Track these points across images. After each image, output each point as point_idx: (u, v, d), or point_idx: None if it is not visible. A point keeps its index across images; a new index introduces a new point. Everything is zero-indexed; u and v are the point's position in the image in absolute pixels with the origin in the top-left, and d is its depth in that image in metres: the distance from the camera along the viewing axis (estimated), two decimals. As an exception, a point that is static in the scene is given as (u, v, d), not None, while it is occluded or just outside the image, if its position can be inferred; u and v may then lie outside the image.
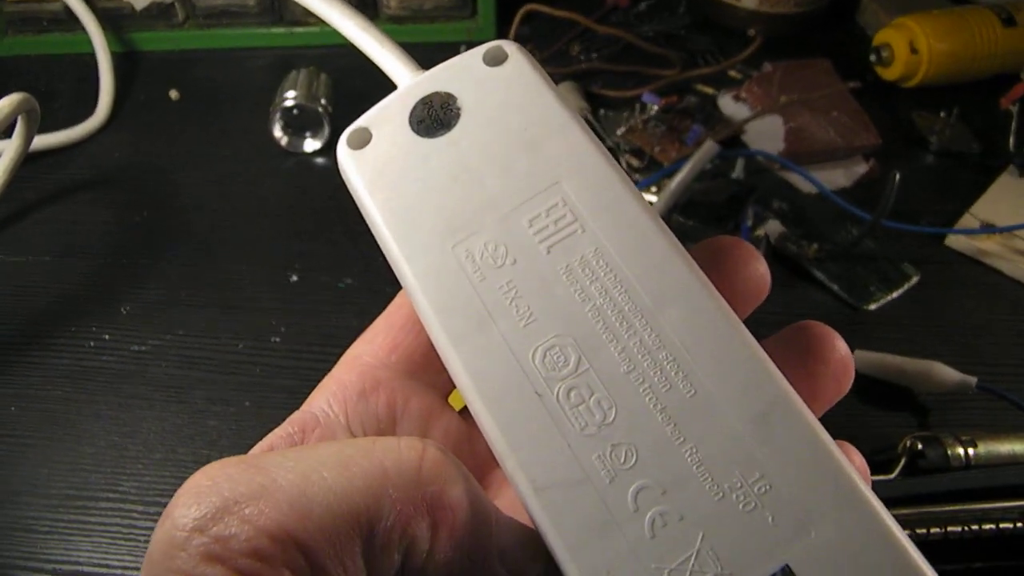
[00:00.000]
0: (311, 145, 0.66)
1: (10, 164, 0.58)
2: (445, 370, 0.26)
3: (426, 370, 0.26)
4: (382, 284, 0.55)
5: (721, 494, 0.19)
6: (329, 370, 0.26)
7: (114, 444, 0.47)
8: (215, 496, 0.18)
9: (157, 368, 0.51)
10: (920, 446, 0.42)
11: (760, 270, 0.24)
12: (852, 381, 0.24)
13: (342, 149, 0.25)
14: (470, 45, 0.78)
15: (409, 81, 0.26)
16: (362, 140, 0.24)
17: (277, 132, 0.65)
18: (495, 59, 0.25)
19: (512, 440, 0.20)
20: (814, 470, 0.19)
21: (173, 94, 0.74)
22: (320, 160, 0.66)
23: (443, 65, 0.25)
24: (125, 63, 0.78)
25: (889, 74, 0.72)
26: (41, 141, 0.66)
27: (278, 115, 0.65)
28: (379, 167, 0.24)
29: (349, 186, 0.24)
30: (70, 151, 0.68)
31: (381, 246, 0.24)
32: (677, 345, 0.21)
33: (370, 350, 0.26)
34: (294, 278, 0.56)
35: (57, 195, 0.64)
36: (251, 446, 0.45)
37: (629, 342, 0.21)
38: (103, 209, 0.63)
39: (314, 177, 0.65)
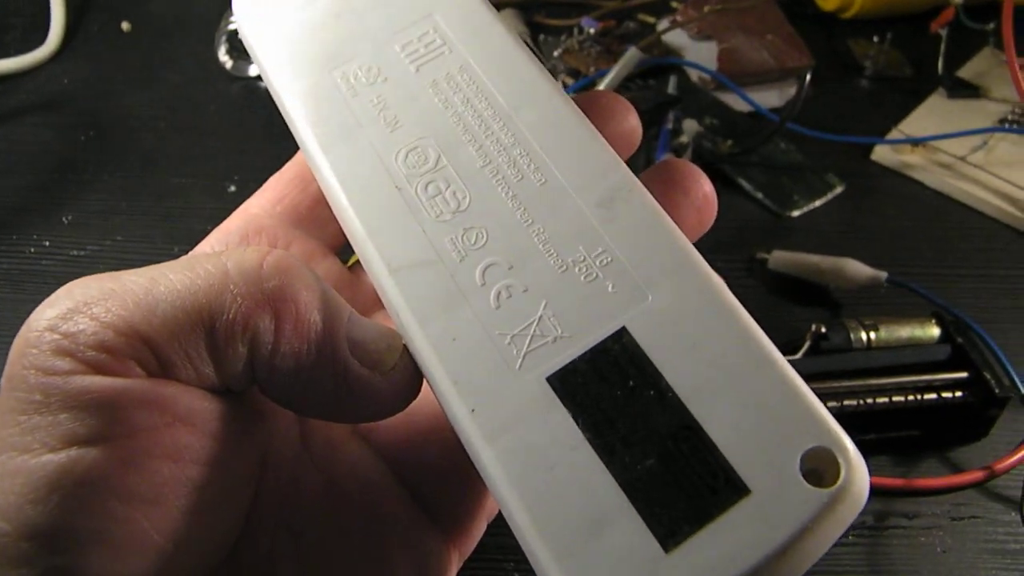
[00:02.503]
0: (255, 69, 0.67)
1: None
2: (330, 224, 0.27)
3: (311, 222, 0.28)
4: (318, 193, 0.56)
5: (564, 267, 0.21)
6: None
7: (49, 338, 0.48)
8: (68, 300, 0.19)
9: (95, 271, 0.51)
10: (824, 330, 0.44)
11: (631, 122, 0.26)
12: (715, 216, 0.25)
13: (236, 3, 0.26)
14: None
15: None
16: None
17: (222, 56, 0.66)
18: None
19: (370, 229, 0.22)
20: (653, 244, 0.21)
21: (125, 26, 0.74)
22: (263, 83, 0.67)
23: None
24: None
25: (827, 4, 0.74)
26: (-10, 67, 0.67)
27: (224, 38, 0.66)
28: (268, 13, 0.26)
29: (241, 33, 0.26)
30: (18, 79, 0.69)
31: (267, 85, 0.25)
32: (531, 142, 0.23)
33: (257, 202, 0.28)
34: (232, 188, 0.57)
35: (4, 119, 0.65)
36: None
37: (486, 142, 0.23)
38: (50, 130, 0.64)
39: (258, 100, 0.66)
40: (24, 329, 0.19)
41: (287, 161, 0.28)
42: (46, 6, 0.75)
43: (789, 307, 0.51)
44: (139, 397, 0.18)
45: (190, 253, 0.26)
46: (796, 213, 0.56)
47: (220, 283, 0.19)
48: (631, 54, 0.52)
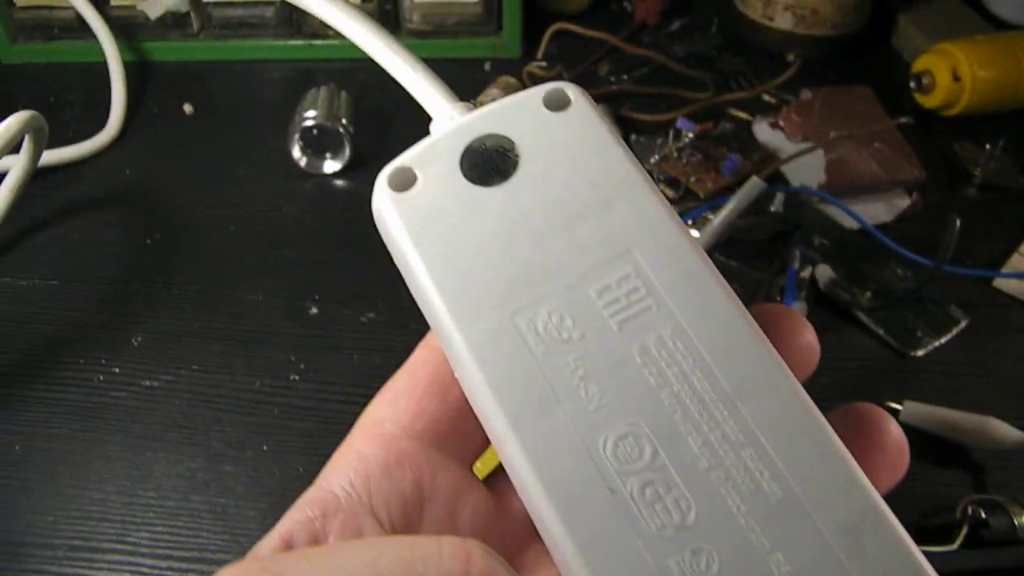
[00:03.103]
0: (331, 166, 0.63)
1: (16, 183, 0.56)
2: (471, 439, 0.23)
3: (452, 440, 0.24)
4: (406, 319, 0.52)
5: None
6: (349, 420, 0.24)
7: (124, 489, 0.44)
8: None
9: (170, 406, 0.48)
10: (983, 514, 0.40)
11: (808, 338, 0.23)
12: (907, 467, 0.22)
13: (382, 190, 0.22)
14: (495, 62, 0.76)
15: (450, 115, 0.23)
16: (406, 181, 0.22)
17: (296, 153, 0.63)
18: (556, 103, 0.22)
19: (581, 540, 0.18)
20: None
21: (187, 108, 0.71)
22: (339, 182, 0.63)
23: (498, 104, 0.23)
24: (137, 73, 0.75)
25: (929, 102, 0.70)
26: (51, 156, 0.64)
27: (297, 135, 0.62)
28: (426, 214, 0.21)
29: (386, 232, 0.22)
30: (80, 166, 0.66)
31: (423, 305, 0.21)
32: (762, 442, 0.19)
33: (392, 415, 0.24)
34: (314, 310, 0.53)
35: (66, 213, 0.62)
36: (269, 496, 0.42)
37: (710, 435, 0.19)
38: (114, 229, 0.60)
39: (334, 200, 0.62)
40: None
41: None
42: (103, 81, 0.72)
43: (926, 469, 0.46)
44: None
45: (322, 486, 0.22)
46: (921, 352, 0.52)
47: None
48: (752, 184, 0.49)
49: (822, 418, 0.19)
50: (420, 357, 0.24)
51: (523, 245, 0.21)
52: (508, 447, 0.19)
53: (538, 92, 0.23)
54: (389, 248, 0.22)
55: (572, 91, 0.23)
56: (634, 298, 0.20)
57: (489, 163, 0.22)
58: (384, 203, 0.22)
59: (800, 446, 0.19)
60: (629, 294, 0.20)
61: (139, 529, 0.42)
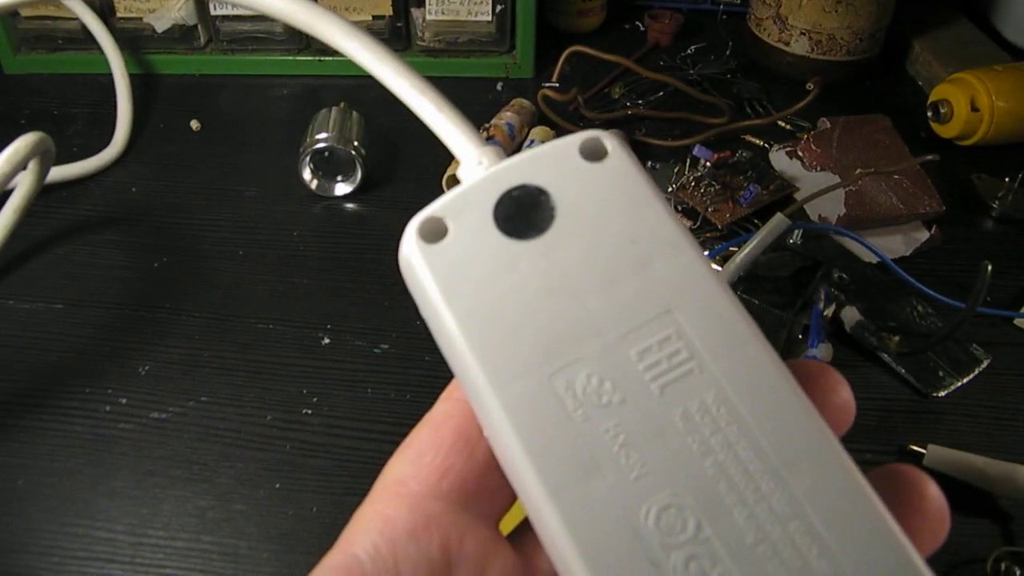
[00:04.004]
0: (342, 189, 0.62)
1: (21, 204, 0.55)
2: (498, 496, 0.23)
3: (479, 498, 0.23)
4: (421, 352, 0.51)
5: None
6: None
7: (131, 528, 0.43)
8: None
9: (179, 440, 0.47)
10: (1018, 571, 0.39)
11: (845, 396, 0.22)
12: (948, 529, 0.21)
13: (411, 241, 0.20)
14: (507, 82, 0.74)
15: (478, 159, 0.22)
16: (436, 232, 0.21)
17: (307, 175, 0.61)
18: (593, 153, 0.21)
19: None
20: None
21: (194, 124, 0.70)
22: (351, 206, 0.62)
23: (531, 153, 0.22)
24: (143, 86, 0.74)
25: (946, 132, 0.69)
26: (56, 173, 0.62)
27: (308, 158, 0.61)
28: (458, 268, 0.20)
29: (416, 285, 0.20)
30: (85, 183, 0.65)
31: (453, 363, 0.20)
32: (809, 515, 0.18)
33: (416, 474, 0.23)
34: (326, 341, 0.52)
35: (71, 232, 0.60)
36: (282, 537, 0.41)
37: (756, 507, 0.18)
38: (119, 251, 0.59)
39: (345, 224, 0.61)
40: None
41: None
42: (108, 93, 0.71)
43: (951, 517, 0.45)
44: None
45: (346, 550, 0.21)
46: (943, 393, 0.51)
47: None
48: (778, 221, 0.48)
49: (871, 490, 0.18)
50: (443, 411, 0.23)
51: (560, 303, 0.20)
52: (546, 517, 0.18)
53: (573, 141, 0.22)
54: (417, 300, 0.21)
55: (609, 141, 0.22)
56: (675, 361, 0.19)
57: (524, 215, 0.21)
58: (414, 255, 0.20)
59: (849, 520, 0.18)
60: (670, 356, 0.19)
61: (148, 572, 0.41)
